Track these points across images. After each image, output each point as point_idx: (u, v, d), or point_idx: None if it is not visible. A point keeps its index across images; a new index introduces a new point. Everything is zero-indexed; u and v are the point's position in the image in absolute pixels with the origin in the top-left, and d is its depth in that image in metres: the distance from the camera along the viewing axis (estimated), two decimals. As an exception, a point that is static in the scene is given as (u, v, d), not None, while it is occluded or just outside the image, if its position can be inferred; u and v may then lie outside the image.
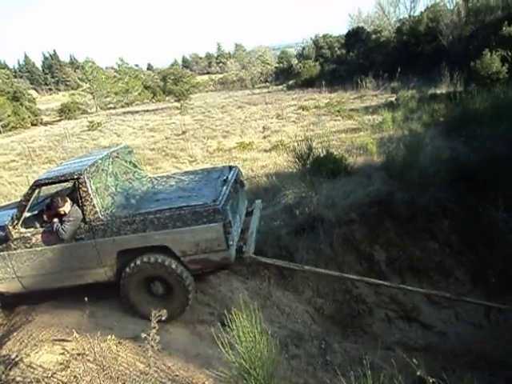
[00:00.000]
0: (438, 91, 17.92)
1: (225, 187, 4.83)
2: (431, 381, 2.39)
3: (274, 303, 5.66)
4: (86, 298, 3.66)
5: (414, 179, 7.63)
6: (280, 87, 37.65)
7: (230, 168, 5.77)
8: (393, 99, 18.22)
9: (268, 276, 6.15)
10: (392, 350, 5.47)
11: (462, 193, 7.71)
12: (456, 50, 21.54)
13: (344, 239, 7.12)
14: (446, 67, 19.09)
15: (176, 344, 4.16)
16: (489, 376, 4.78)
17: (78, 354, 3.60)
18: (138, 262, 4.35)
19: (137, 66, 62.18)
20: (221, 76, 56.10)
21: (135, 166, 5.59)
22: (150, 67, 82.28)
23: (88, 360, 3.55)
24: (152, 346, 3.16)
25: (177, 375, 3.65)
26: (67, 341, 3.97)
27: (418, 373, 2.48)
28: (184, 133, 17.79)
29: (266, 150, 12.96)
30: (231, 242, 4.35)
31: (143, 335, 3.18)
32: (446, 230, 7.67)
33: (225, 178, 5.16)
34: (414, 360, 2.62)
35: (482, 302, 6.40)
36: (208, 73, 73.63)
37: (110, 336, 3.68)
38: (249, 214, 5.75)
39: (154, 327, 3.17)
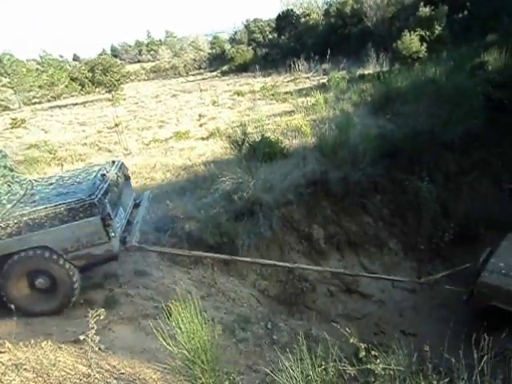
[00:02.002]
0: (366, 71, 18.57)
1: (103, 182, 4.87)
2: (363, 346, 2.57)
3: (219, 290, 5.72)
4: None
5: (345, 157, 7.97)
6: (214, 73, 37.17)
7: (114, 162, 5.82)
8: (325, 81, 18.63)
9: (211, 264, 6.17)
10: (336, 322, 5.74)
11: (390, 167, 8.19)
12: (380, 31, 22.37)
13: (283, 221, 7.30)
14: (372, 48, 19.83)
15: (120, 342, 4.10)
16: (414, 337, 5.18)
17: (14, 365, 3.43)
18: (16, 258, 4.29)
19: (61, 56, 58.15)
20: (153, 64, 54.23)
21: (11, 170, 5.43)
22: (76, 58, 77.49)
23: (25, 369, 3.40)
24: (92, 347, 3.10)
25: (122, 373, 3.59)
26: (0, 352, 3.77)
27: (351, 340, 2.65)
28: (117, 125, 17.04)
29: (202, 138, 12.82)
30: (113, 234, 4.42)
31: (81, 337, 3.10)
32: (378, 203, 8.12)
33: (104, 172, 5.19)
34: (347, 329, 2.80)
35: (402, 278, 6.84)
36: (139, 61, 70.71)
37: (45, 342, 3.56)
38: (138, 205, 5.82)
39: (93, 328, 3.10)
